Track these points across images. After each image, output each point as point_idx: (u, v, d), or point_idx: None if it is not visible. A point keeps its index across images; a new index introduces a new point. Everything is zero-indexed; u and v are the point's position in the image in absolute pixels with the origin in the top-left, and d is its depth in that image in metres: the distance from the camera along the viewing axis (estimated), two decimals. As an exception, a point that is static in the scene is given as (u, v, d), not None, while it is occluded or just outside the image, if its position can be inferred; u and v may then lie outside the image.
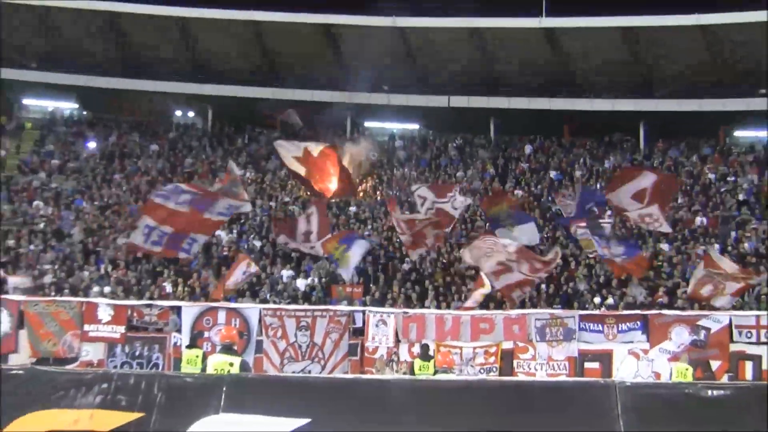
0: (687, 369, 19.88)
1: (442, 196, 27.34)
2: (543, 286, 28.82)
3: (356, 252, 26.74)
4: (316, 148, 26.21)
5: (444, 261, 31.09)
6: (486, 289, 25.82)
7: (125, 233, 32.74)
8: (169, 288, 29.40)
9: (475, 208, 34.29)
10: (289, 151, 26.87)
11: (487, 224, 30.23)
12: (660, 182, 25.35)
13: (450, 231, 27.43)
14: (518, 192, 38.26)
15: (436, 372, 20.70)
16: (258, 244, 33.34)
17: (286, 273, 30.76)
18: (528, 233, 27.81)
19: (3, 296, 25.94)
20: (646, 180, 25.51)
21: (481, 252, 25.26)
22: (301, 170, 26.15)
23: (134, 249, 26.93)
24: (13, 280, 28.85)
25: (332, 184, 27.32)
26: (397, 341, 24.44)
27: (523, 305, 26.41)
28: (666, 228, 27.59)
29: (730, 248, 31.82)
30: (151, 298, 27.49)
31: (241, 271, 26.25)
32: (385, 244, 33.07)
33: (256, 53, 45.11)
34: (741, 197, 36.40)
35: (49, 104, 47.18)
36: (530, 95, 43.73)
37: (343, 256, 26.18)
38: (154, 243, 23.72)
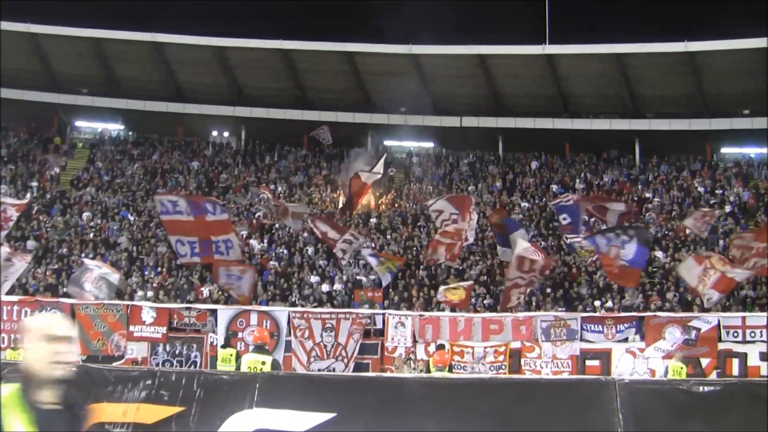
0: (681, 368, 19.79)
1: (460, 209, 26.95)
2: (549, 290, 28.83)
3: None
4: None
5: (458, 268, 31.01)
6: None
7: (166, 242, 32.94)
8: (206, 292, 29.41)
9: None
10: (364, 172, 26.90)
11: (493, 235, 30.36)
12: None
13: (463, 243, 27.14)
14: (524, 204, 38.26)
15: (437, 370, 20.39)
16: (285, 252, 33.32)
17: (313, 279, 30.74)
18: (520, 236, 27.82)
19: (57, 299, 26.09)
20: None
21: None
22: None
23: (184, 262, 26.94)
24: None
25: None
26: (415, 341, 24.41)
27: (528, 308, 26.42)
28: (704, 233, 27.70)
29: (718, 255, 31.74)
30: (189, 302, 27.57)
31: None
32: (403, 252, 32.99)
33: (285, 78, 45.19)
34: (727, 208, 36.28)
35: (98, 126, 47.49)
36: (534, 116, 43.79)
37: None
38: (193, 255, 23.73)
